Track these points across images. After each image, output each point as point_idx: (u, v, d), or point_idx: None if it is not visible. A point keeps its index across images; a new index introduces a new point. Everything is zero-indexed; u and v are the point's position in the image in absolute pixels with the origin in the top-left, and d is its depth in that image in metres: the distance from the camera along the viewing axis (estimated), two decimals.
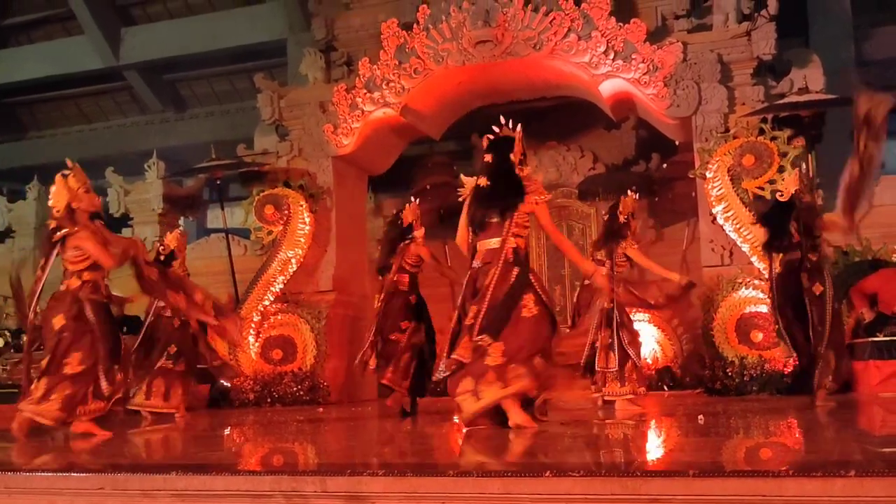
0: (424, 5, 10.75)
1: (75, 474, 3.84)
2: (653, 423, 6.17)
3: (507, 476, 3.15)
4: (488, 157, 5.38)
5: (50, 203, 5.94)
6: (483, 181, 5.31)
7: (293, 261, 10.83)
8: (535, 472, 3.17)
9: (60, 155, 20.79)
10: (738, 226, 9.32)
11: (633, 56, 9.90)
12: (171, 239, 8.28)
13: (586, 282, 7.54)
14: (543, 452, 4.22)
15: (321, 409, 9.33)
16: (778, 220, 6.91)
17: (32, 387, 5.74)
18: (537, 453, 4.18)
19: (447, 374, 5.26)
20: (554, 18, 10.10)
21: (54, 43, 18.07)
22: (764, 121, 9.49)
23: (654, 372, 10.54)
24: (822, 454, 3.91)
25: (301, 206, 10.88)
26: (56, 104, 19.64)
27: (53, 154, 19.35)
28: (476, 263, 5.28)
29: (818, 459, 3.71)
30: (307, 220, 10.89)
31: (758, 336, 9.17)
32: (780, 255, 6.85)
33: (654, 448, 4.48)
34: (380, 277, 7.84)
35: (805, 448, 4.32)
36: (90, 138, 19.56)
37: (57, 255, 5.88)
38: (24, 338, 8.00)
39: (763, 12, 9.79)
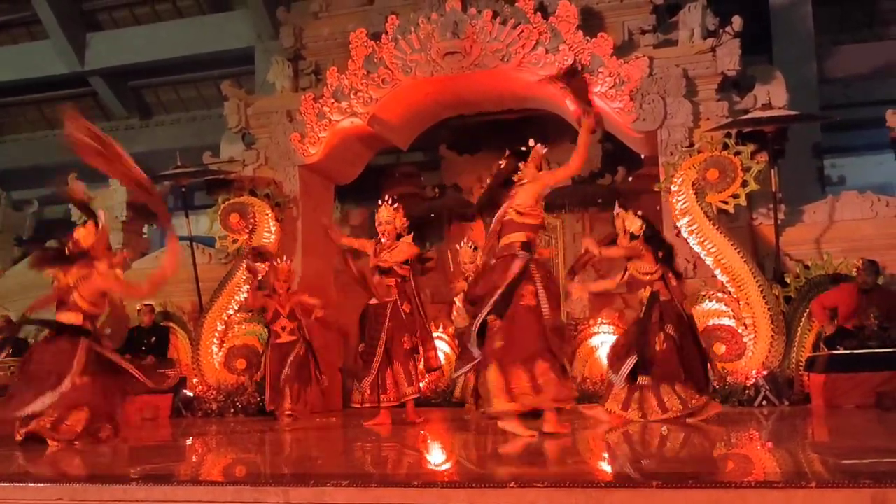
0: (393, 16, 10.75)
1: (32, 485, 3.77)
2: (617, 434, 6.20)
3: (471, 487, 3.14)
4: None
5: None
6: None
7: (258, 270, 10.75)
8: (500, 483, 3.17)
9: (23, 160, 20.69)
10: (701, 239, 9.41)
11: (600, 70, 9.97)
12: (82, 235, 6.56)
13: None
14: (509, 463, 4.22)
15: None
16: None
17: None
18: (502, 464, 4.18)
19: None
20: (522, 31, 10.15)
21: (18, 47, 17.83)
22: (728, 136, 9.59)
23: None
24: (783, 466, 3.95)
25: (267, 214, 10.81)
26: (19, 109, 19.35)
27: (16, 159, 19.14)
28: None
29: (780, 471, 3.75)
30: (273, 228, 10.82)
31: (721, 348, 9.24)
32: None
33: (618, 459, 4.49)
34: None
35: (767, 459, 4.35)
36: (53, 144, 19.25)
37: None
38: None
39: (728, 29, 9.91)
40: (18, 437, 6.04)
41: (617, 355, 7.03)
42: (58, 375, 6.09)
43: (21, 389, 6.21)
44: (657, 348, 6.75)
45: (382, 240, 7.92)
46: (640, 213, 7.30)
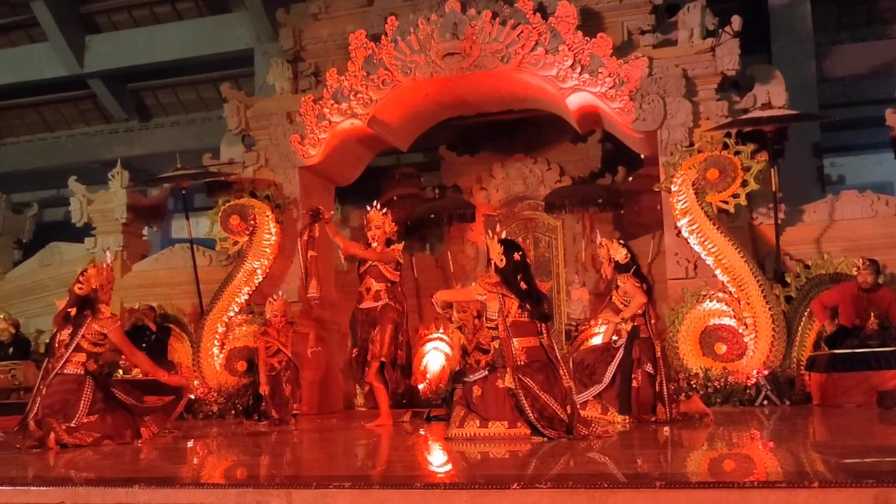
0: (393, 17, 10.74)
1: (35, 488, 3.77)
2: (619, 435, 6.20)
3: (474, 488, 3.14)
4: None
5: None
6: None
7: (259, 271, 10.75)
8: (503, 484, 3.17)
9: (22, 163, 20.70)
10: (702, 239, 9.40)
11: (600, 70, 9.97)
12: (93, 274, 6.49)
13: None
14: (511, 465, 4.22)
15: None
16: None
17: None
18: (505, 466, 4.18)
19: None
20: (521, 32, 10.14)
21: (17, 49, 17.82)
22: (728, 135, 9.59)
23: None
24: (785, 465, 3.95)
25: (267, 216, 10.80)
26: (18, 112, 19.35)
27: (15, 162, 19.14)
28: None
29: (782, 470, 3.74)
30: (273, 230, 10.81)
31: (721, 348, 9.25)
32: None
33: (621, 460, 4.49)
34: None
35: (769, 459, 4.35)
36: (53, 147, 19.31)
37: None
38: None
39: (727, 29, 9.91)
40: (27, 444, 6.02)
41: (580, 378, 6.94)
42: (65, 416, 6.11)
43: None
44: (634, 384, 6.78)
45: (373, 244, 7.94)
46: (622, 241, 7.30)
